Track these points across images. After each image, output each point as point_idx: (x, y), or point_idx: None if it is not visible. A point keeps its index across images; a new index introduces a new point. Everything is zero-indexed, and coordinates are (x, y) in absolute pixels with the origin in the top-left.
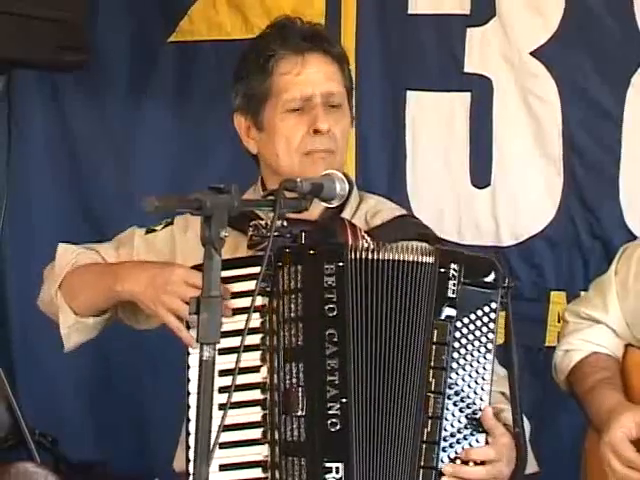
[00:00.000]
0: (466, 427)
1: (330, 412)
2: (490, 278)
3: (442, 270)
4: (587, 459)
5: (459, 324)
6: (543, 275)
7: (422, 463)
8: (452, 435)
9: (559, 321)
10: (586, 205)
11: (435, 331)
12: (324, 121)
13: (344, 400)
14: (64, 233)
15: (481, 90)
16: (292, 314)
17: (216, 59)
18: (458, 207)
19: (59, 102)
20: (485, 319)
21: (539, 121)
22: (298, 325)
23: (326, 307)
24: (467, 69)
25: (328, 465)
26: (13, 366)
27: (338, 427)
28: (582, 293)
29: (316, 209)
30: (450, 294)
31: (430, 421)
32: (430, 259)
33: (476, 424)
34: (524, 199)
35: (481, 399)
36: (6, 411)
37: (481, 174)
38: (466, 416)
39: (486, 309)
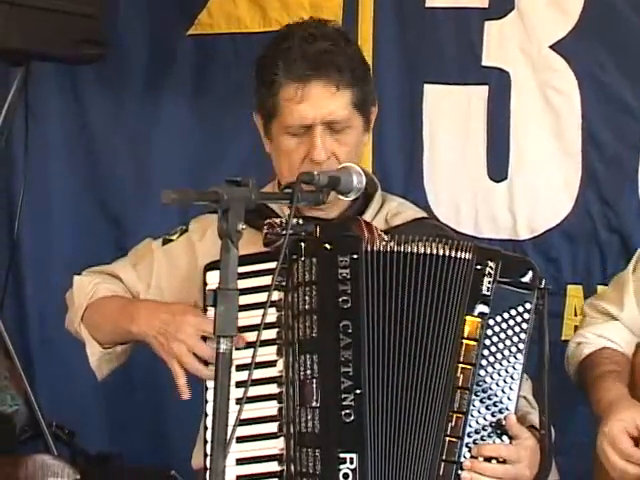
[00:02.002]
0: (491, 425)
1: (344, 403)
2: (527, 278)
3: (478, 267)
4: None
5: (492, 322)
6: (560, 269)
7: (444, 457)
8: (476, 432)
9: (576, 315)
10: (604, 199)
11: (467, 327)
12: (321, 152)
13: (358, 391)
14: (81, 228)
15: (499, 83)
16: (306, 306)
17: (234, 53)
18: (475, 200)
19: (77, 95)
20: (518, 319)
21: (558, 115)
22: (312, 317)
23: (340, 299)
24: (485, 62)
25: (342, 456)
26: (31, 359)
27: (352, 418)
28: (599, 287)
29: (334, 210)
30: (485, 291)
31: (455, 416)
32: (467, 255)
33: (501, 422)
34: (541, 193)
35: (509, 398)
36: (24, 404)
37: (498, 167)
38: (492, 414)
39: (520, 309)
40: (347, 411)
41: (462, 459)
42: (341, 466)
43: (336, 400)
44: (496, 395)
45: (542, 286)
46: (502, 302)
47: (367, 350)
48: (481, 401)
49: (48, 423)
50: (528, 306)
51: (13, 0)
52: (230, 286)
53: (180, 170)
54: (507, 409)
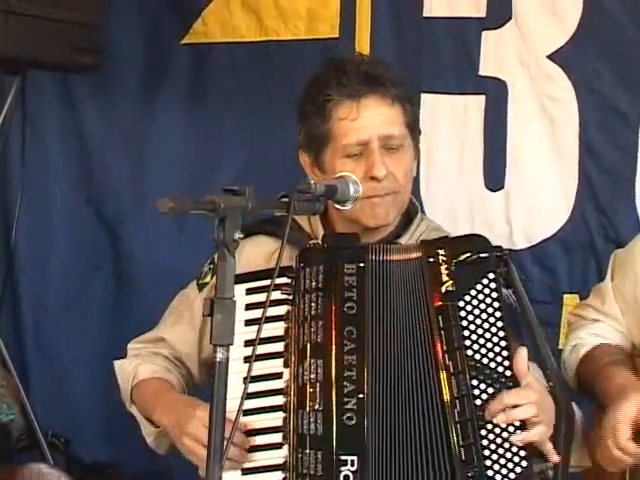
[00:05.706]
0: (494, 396)
1: (347, 407)
2: (479, 251)
3: (430, 259)
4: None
5: (462, 303)
6: (556, 278)
7: (461, 442)
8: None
9: None
10: (600, 208)
11: (440, 316)
12: (381, 167)
13: (361, 395)
14: (78, 236)
15: (496, 93)
16: (313, 312)
17: (230, 61)
18: (472, 210)
19: (73, 103)
20: (486, 290)
21: (555, 124)
22: (318, 323)
23: (346, 305)
24: (482, 72)
25: (343, 458)
26: (26, 367)
27: (354, 421)
28: None
29: (376, 236)
30: (445, 278)
31: (457, 401)
32: (415, 254)
33: (507, 387)
34: (538, 202)
35: (503, 365)
36: (20, 413)
37: (495, 177)
38: (492, 385)
39: (485, 281)
40: (349, 414)
41: (479, 438)
42: (342, 468)
43: (339, 404)
44: (490, 367)
45: (499, 253)
46: (465, 281)
47: (370, 355)
48: (477, 379)
49: (44, 432)
50: (491, 276)
51: (10, 9)
52: (227, 295)
53: (176, 177)
54: (505, 376)
